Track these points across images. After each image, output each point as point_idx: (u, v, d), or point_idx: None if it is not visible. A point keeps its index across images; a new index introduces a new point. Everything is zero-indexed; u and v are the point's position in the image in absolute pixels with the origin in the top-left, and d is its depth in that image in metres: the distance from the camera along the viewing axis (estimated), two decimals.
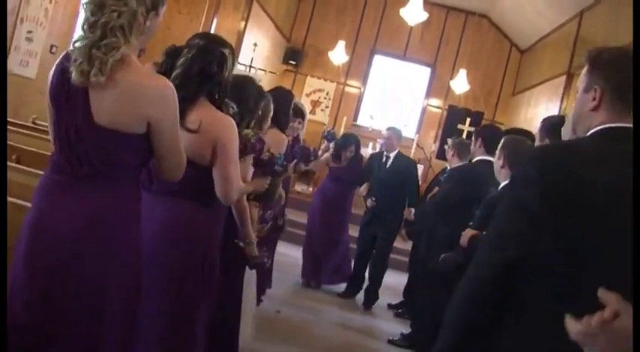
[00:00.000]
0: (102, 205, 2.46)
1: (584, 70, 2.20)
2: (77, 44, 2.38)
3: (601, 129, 2.03)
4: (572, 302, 1.79)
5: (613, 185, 1.84)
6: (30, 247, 2.44)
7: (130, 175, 2.55)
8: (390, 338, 6.56)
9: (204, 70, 3.07)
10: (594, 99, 2.08)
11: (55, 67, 2.52)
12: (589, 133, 2.08)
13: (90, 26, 2.37)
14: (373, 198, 7.87)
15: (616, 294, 1.49)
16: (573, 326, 1.52)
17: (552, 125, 3.42)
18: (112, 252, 2.46)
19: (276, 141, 4.58)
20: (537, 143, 3.47)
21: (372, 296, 7.84)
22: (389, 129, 8.25)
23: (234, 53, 3.25)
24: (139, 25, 2.41)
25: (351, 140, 8.31)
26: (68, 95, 2.43)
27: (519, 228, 1.93)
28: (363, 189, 8.06)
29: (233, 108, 3.39)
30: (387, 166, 7.98)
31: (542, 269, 1.90)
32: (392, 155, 8.03)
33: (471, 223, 4.25)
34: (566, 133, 2.90)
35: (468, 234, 3.55)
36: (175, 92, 2.51)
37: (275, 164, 3.84)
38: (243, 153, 3.34)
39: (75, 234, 2.41)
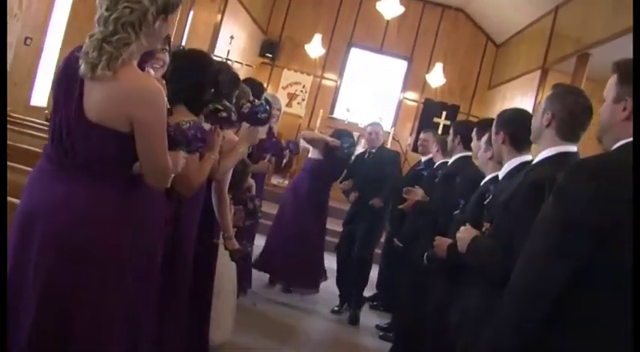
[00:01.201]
0: (84, 200, 2.46)
1: (612, 80, 2.27)
2: (90, 38, 2.42)
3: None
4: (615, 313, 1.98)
5: None
6: (20, 241, 2.46)
7: (115, 173, 2.54)
8: (381, 333, 6.57)
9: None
10: (625, 109, 2.17)
11: (65, 58, 2.56)
12: (620, 144, 2.17)
13: (103, 21, 2.41)
14: (356, 193, 7.13)
15: None
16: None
17: (504, 120, 3.50)
18: (90, 253, 2.45)
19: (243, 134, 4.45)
20: (493, 137, 3.51)
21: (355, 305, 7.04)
22: (373, 124, 7.50)
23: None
24: (149, 25, 2.44)
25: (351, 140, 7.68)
26: (67, 86, 2.47)
27: (572, 242, 2.04)
28: (345, 184, 7.30)
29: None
30: (369, 160, 7.26)
31: (593, 282, 2.03)
32: (373, 151, 7.29)
33: (455, 212, 4.25)
34: (536, 122, 2.96)
35: (443, 244, 3.57)
36: (164, 97, 2.50)
37: (257, 112, 3.77)
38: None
39: (57, 227, 2.43)
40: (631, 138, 2.11)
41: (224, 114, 3.54)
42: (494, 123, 3.55)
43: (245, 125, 3.95)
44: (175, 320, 3.47)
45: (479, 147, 4.11)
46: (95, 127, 2.43)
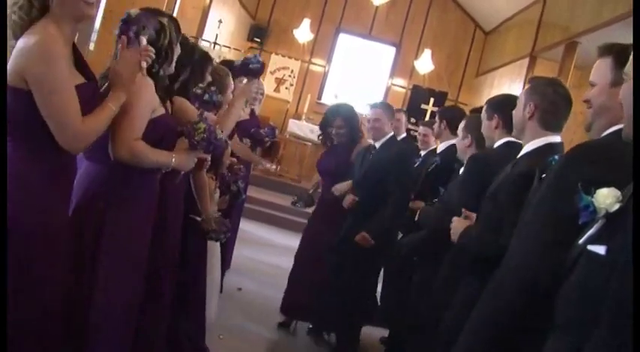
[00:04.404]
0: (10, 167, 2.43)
1: (605, 63, 2.25)
2: None
3: None
4: None
5: None
6: None
7: (32, 136, 2.48)
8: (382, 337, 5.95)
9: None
10: None
11: None
12: (617, 128, 2.14)
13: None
14: (355, 198, 5.25)
15: None
16: None
17: (497, 103, 3.51)
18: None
19: (239, 89, 4.18)
20: (485, 122, 3.53)
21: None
22: (373, 106, 5.55)
23: (177, 24, 3.10)
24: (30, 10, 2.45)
25: (338, 110, 5.69)
26: None
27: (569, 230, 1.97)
28: (341, 187, 5.38)
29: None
30: (370, 158, 5.33)
31: None
32: (378, 144, 5.34)
33: (435, 200, 4.26)
34: (517, 115, 2.98)
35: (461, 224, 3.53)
36: (50, 50, 2.42)
37: (249, 63, 3.75)
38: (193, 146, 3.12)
39: None
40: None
41: (206, 97, 3.53)
42: (486, 108, 3.57)
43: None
44: (158, 307, 3.44)
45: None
46: (8, 89, 2.41)
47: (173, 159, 3.00)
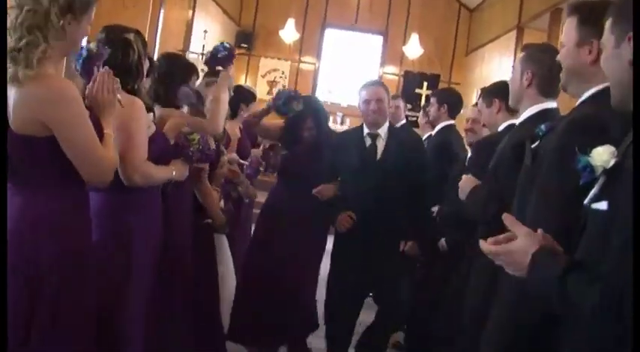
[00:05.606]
0: (29, 217, 2.44)
1: (571, 22, 2.21)
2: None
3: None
4: None
5: None
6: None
7: (55, 182, 2.51)
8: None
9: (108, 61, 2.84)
10: (590, 52, 2.11)
11: None
12: (594, 92, 2.13)
13: (13, 29, 2.39)
14: (352, 215, 4.45)
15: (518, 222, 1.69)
16: (484, 246, 1.70)
17: (493, 88, 3.55)
18: (36, 269, 2.42)
19: (219, 80, 3.97)
20: (485, 110, 3.56)
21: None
22: (370, 85, 4.75)
23: (142, 37, 3.13)
24: (54, 26, 2.39)
25: (303, 109, 4.68)
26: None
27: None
28: (322, 189, 4.56)
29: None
30: (383, 150, 4.55)
31: None
32: (382, 132, 4.57)
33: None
34: (514, 85, 2.99)
35: (470, 182, 3.25)
36: (74, 94, 2.44)
37: (217, 53, 3.79)
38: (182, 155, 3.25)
39: (15, 244, 2.41)
40: (603, 85, 2.04)
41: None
42: (483, 97, 3.60)
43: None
44: (171, 320, 3.49)
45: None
46: (19, 138, 2.40)
47: (174, 173, 3.17)
